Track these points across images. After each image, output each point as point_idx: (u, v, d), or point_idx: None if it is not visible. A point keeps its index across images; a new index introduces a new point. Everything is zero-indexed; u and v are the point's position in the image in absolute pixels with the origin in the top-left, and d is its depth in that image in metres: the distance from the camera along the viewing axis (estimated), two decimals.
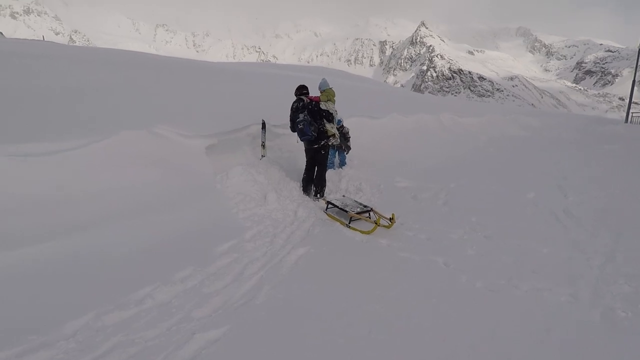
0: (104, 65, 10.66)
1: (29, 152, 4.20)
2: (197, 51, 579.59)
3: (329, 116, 5.95)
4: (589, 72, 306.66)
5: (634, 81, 22.70)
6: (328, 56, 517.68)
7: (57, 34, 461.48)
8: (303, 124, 5.71)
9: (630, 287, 3.69)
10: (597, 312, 3.29)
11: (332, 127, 5.97)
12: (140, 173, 4.83)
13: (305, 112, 5.80)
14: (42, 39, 46.09)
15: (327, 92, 6.03)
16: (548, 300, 3.45)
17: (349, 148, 7.36)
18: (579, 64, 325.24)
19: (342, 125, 7.31)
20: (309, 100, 5.96)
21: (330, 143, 5.99)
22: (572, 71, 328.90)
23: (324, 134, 5.89)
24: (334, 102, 6.07)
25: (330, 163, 7.11)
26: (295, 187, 6.09)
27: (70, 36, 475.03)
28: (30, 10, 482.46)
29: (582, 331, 3.05)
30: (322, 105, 5.90)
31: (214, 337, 2.69)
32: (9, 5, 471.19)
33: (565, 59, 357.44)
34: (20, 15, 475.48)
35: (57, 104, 6.28)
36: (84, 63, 10.55)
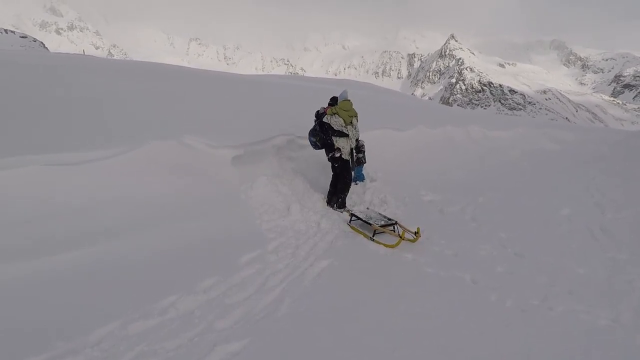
0: (138, 78, 11.13)
1: (62, 161, 4.38)
2: (227, 64, 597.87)
3: (334, 131, 5.92)
4: (627, 86, 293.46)
5: None
6: (356, 69, 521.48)
7: (97, 48, 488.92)
8: (309, 132, 6.15)
9: None
10: None
11: (338, 141, 5.91)
12: (168, 182, 4.95)
13: (316, 122, 6.16)
14: (82, 53, 48.82)
15: (340, 105, 5.96)
16: (586, 323, 3.25)
17: (360, 162, 7.05)
18: (617, 77, 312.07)
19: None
20: (322, 111, 6.16)
21: (336, 156, 5.92)
22: (609, 85, 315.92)
23: (330, 147, 5.93)
24: (346, 116, 5.92)
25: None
26: (319, 198, 6.07)
27: (109, 50, 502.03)
28: (74, 27, 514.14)
29: (623, 357, 2.85)
30: (325, 118, 5.96)
31: (235, 350, 2.67)
32: (55, 22, 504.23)
33: (602, 72, 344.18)
34: (65, 31, 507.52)
35: (92, 114, 6.57)
36: (120, 75, 11.05)
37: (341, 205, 5.98)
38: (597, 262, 4.46)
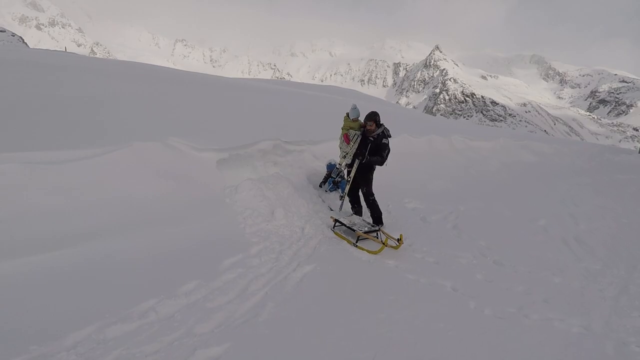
0: (121, 78, 10.95)
1: (39, 159, 4.27)
2: (213, 66, 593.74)
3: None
4: (602, 102, 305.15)
5: None
6: (342, 75, 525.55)
7: (79, 45, 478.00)
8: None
9: None
10: (610, 345, 3.23)
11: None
12: (150, 184, 4.88)
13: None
14: (64, 50, 47.70)
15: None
16: (560, 331, 3.38)
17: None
18: (593, 93, 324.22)
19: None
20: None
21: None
22: (585, 100, 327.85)
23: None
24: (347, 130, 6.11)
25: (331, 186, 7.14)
26: (303, 203, 6.07)
27: (92, 48, 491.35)
28: (55, 23, 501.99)
29: None
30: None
31: (215, 354, 2.65)
32: (35, 17, 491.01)
33: (579, 88, 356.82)
34: (45, 27, 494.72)
35: (73, 114, 6.44)
36: (102, 75, 10.85)
37: (354, 210, 6.08)
38: (571, 272, 4.62)
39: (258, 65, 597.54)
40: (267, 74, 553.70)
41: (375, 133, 5.61)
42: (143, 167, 4.97)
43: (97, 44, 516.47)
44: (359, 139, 5.89)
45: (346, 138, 6.03)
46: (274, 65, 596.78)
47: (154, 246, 3.98)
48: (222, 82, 16.88)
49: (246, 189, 5.55)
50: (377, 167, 5.84)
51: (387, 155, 5.60)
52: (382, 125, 5.67)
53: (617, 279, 4.50)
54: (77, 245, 3.61)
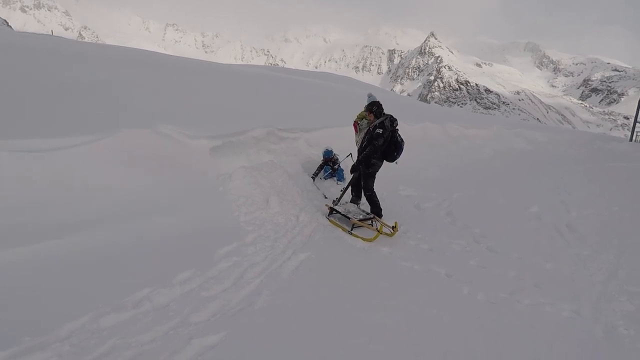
0: (111, 63, 10.72)
1: (28, 147, 4.18)
2: (205, 52, 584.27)
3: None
4: (595, 90, 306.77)
5: None
6: (336, 62, 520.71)
7: (66, 29, 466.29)
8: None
9: (633, 304, 3.70)
10: (599, 328, 3.29)
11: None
12: (142, 172, 4.82)
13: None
14: (50, 33, 46.49)
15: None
16: (551, 315, 3.44)
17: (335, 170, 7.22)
18: (586, 82, 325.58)
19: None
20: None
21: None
22: (578, 88, 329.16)
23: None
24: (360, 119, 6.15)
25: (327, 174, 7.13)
26: (298, 191, 6.06)
27: (80, 32, 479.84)
28: (41, 5, 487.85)
29: (584, 347, 3.05)
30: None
31: (211, 343, 2.64)
32: None
33: (572, 76, 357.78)
34: (31, 9, 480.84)
35: (61, 100, 6.30)
36: (92, 60, 10.61)
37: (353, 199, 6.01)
38: (562, 258, 4.69)
39: (251, 51, 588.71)
40: (260, 60, 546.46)
41: (373, 124, 5.41)
42: (133, 156, 4.90)
43: (85, 28, 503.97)
44: (366, 129, 5.78)
45: (355, 127, 6.08)
46: (268, 51, 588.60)
47: (147, 235, 3.94)
48: (214, 68, 16.62)
49: (240, 176, 5.50)
50: (386, 163, 5.55)
51: (382, 146, 5.29)
52: (384, 115, 5.40)
53: (606, 264, 4.58)
54: (67, 236, 3.55)
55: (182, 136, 5.60)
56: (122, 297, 2.99)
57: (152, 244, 3.84)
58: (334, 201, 5.66)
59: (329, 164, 7.07)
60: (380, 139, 5.25)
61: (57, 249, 3.39)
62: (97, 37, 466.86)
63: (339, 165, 7.08)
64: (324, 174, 7.08)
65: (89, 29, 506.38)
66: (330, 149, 7.05)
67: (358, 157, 5.61)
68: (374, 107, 5.39)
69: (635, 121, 22.59)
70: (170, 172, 5.06)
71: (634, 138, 21.93)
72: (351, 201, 5.92)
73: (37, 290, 2.95)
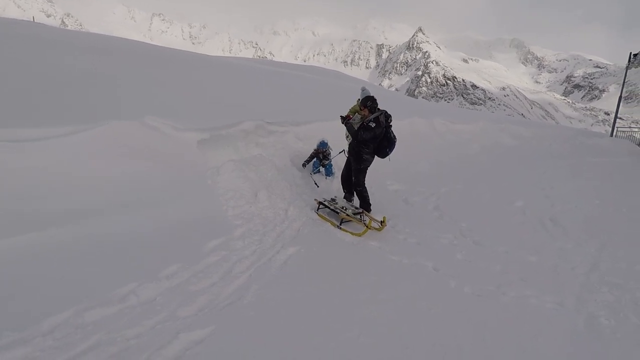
0: (97, 53, 10.44)
1: (9, 137, 4.05)
2: (192, 43, 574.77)
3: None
4: (577, 86, 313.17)
5: (620, 97, 23.32)
6: (325, 56, 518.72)
7: (48, 16, 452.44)
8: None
9: (613, 295, 3.79)
10: (581, 319, 3.37)
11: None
12: (129, 165, 4.71)
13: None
14: (32, 20, 45.03)
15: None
16: (535, 307, 3.51)
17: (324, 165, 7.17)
18: (569, 78, 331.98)
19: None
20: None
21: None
22: (561, 84, 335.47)
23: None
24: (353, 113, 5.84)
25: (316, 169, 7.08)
26: (286, 185, 6.03)
27: (62, 19, 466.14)
28: None
29: (567, 338, 3.11)
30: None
31: (198, 338, 2.61)
32: None
33: (556, 72, 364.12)
34: None
35: (43, 90, 6.11)
36: (76, 49, 10.31)
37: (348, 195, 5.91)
38: (546, 251, 4.78)
39: (239, 43, 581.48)
40: (248, 53, 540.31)
41: (368, 119, 5.25)
42: (120, 148, 4.79)
43: (68, 15, 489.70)
44: (359, 124, 5.68)
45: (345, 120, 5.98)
46: (256, 44, 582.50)
47: (133, 229, 3.87)
48: (203, 60, 16.36)
49: (229, 170, 5.44)
50: (377, 159, 5.52)
51: (369, 138, 5.21)
52: (379, 110, 5.30)
53: (588, 257, 4.68)
54: (49, 229, 3.45)
55: (169, 128, 5.50)
56: (107, 291, 2.93)
57: (138, 238, 3.77)
58: (329, 200, 5.63)
59: (319, 157, 7.00)
60: (369, 133, 5.17)
61: (39, 241, 3.30)
62: (80, 25, 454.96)
63: (329, 161, 7.04)
64: (313, 169, 7.02)
65: (72, 17, 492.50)
66: (325, 141, 6.97)
67: (349, 151, 5.60)
68: (368, 102, 5.28)
69: (616, 117, 23.10)
70: (157, 165, 4.97)
71: (614, 134, 22.46)
72: (344, 197, 5.92)
73: (19, 283, 2.87)
